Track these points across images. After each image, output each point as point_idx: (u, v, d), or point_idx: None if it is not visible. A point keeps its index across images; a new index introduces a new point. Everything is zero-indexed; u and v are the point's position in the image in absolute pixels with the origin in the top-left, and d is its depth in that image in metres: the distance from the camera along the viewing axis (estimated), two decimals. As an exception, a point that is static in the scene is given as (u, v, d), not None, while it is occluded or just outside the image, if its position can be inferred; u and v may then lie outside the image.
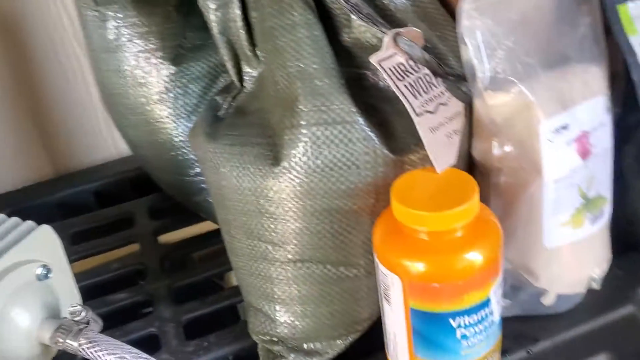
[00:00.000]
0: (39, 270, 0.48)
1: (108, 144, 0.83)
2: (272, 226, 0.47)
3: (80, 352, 0.45)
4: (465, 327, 0.42)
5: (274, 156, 0.45)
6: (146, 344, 0.56)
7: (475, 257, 0.40)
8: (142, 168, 0.70)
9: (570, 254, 0.49)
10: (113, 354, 0.44)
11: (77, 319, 0.46)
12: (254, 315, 0.52)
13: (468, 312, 0.41)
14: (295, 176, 0.44)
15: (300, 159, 0.44)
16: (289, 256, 0.47)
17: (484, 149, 0.48)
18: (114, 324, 0.58)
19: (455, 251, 0.40)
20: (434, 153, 0.43)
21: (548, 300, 0.51)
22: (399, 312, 0.43)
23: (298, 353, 0.50)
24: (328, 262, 0.47)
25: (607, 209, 0.49)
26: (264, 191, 0.45)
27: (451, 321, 0.42)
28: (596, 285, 0.52)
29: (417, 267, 0.40)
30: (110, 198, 0.77)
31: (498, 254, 0.42)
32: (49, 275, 0.49)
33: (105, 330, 0.56)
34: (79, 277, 0.55)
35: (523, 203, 0.48)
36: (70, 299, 0.51)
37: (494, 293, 0.42)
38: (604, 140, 0.47)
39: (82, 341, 0.45)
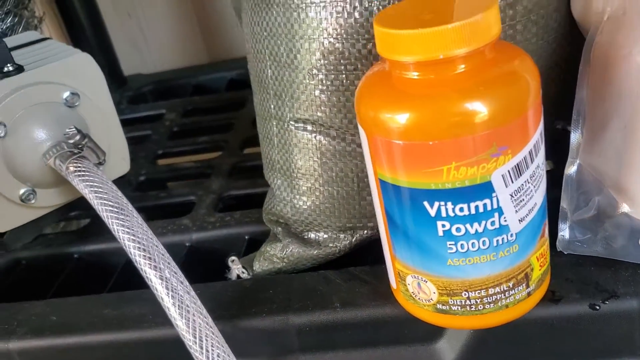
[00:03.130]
0: (66, 95, 0.46)
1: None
2: (276, 73, 0.38)
3: (67, 177, 0.42)
4: (451, 220, 0.29)
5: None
6: (177, 209, 0.52)
7: (463, 107, 0.27)
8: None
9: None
10: (95, 191, 0.40)
11: (70, 141, 0.43)
12: (268, 191, 0.43)
13: (452, 195, 0.28)
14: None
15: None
16: (291, 114, 0.38)
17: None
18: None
19: (436, 95, 0.27)
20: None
21: (649, 243, 0.33)
22: (373, 187, 0.31)
23: (296, 239, 0.41)
24: (332, 126, 0.37)
25: None
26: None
27: (427, 205, 0.29)
28: None
29: (381, 115, 0.28)
30: (242, 86, 0.74)
31: (512, 117, 0.27)
32: (76, 103, 0.47)
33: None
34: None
35: (624, 83, 0.31)
36: (106, 136, 0.48)
37: (504, 179, 0.28)
38: None
39: (70, 167, 0.42)
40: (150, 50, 0.84)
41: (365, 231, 0.39)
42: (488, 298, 0.31)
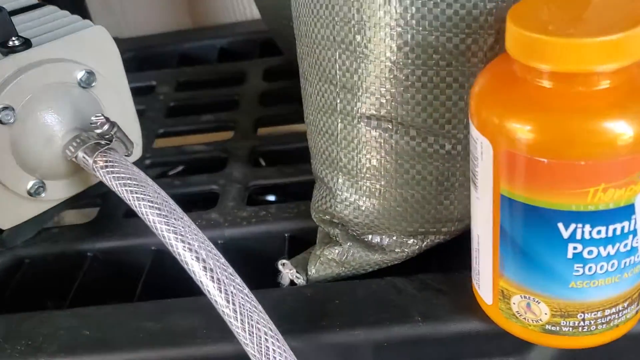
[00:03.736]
0: (81, 75, 0.41)
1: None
2: (347, 63, 0.34)
3: (95, 172, 0.37)
4: (584, 242, 0.27)
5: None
6: (202, 200, 0.47)
7: (622, 128, 0.24)
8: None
9: None
10: (127, 185, 0.35)
11: (97, 131, 0.38)
12: (317, 187, 0.40)
13: (593, 217, 0.26)
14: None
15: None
16: (363, 109, 0.34)
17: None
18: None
19: (589, 111, 0.25)
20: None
21: None
22: (485, 201, 0.29)
23: (357, 243, 0.38)
24: (413, 125, 0.34)
25: None
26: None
27: (561, 227, 0.26)
28: None
29: (518, 127, 0.25)
30: (234, 57, 0.69)
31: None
32: (92, 84, 0.41)
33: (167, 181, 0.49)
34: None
35: None
36: (122, 120, 0.43)
37: (647, 201, 0.26)
38: None
39: (98, 160, 0.37)
40: (125, 11, 0.77)
41: (438, 236, 0.37)
42: (603, 319, 0.29)
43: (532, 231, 0.27)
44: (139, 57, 0.70)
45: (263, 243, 0.43)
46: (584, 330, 0.29)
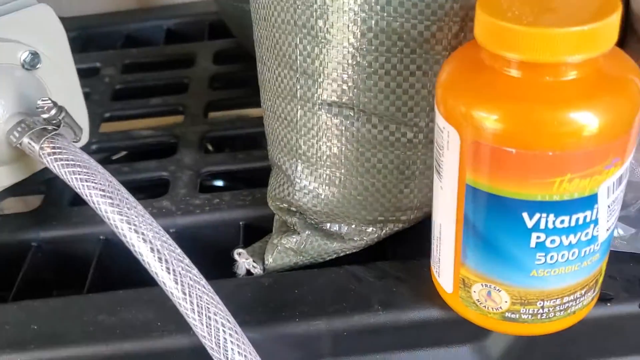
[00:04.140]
0: (25, 55, 0.38)
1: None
2: (308, 49, 0.33)
3: (42, 159, 0.35)
4: (548, 231, 0.27)
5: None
6: (152, 188, 0.46)
7: (589, 119, 0.25)
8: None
9: None
10: (76, 173, 0.34)
11: (44, 116, 0.36)
12: (274, 175, 0.39)
13: (557, 207, 0.26)
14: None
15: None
16: (324, 96, 0.34)
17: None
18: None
19: (557, 101, 0.25)
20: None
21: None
22: (449, 190, 0.29)
23: (315, 232, 0.37)
24: (375, 113, 0.33)
25: None
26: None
27: (525, 216, 0.27)
28: None
29: (485, 116, 0.25)
30: (182, 39, 0.67)
31: (628, 128, 0.26)
32: (37, 65, 0.39)
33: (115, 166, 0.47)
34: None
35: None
36: (68, 104, 0.41)
37: (608, 190, 0.26)
38: None
39: (45, 146, 0.35)
40: (65, -12, 0.73)
41: (397, 225, 0.37)
42: (561, 306, 0.30)
43: (496, 220, 0.27)
44: (82, 37, 0.67)
45: (217, 231, 0.42)
46: (543, 317, 0.30)
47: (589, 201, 0.26)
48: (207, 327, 0.30)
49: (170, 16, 0.69)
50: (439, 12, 0.31)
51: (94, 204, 0.33)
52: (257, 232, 0.41)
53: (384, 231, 0.37)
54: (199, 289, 0.31)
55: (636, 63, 0.33)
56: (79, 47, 0.66)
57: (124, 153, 0.56)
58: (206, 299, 0.31)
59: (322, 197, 0.36)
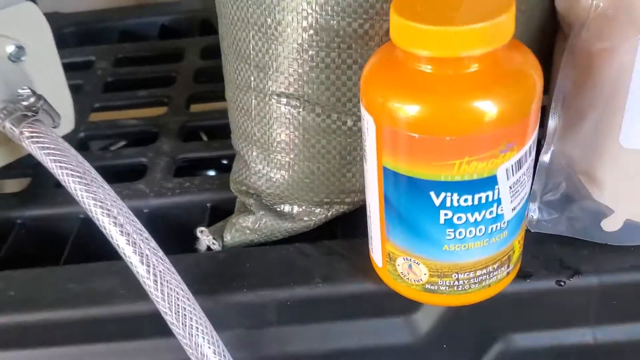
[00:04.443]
0: (11, 49, 0.42)
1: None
2: (260, 44, 0.37)
3: (21, 142, 0.39)
4: (454, 209, 0.30)
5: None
6: (129, 172, 0.50)
7: (484, 107, 0.28)
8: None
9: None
10: (51, 154, 0.37)
11: (24, 103, 0.40)
12: (236, 160, 0.43)
13: (459, 187, 0.29)
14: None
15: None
16: (274, 87, 0.37)
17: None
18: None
19: (455, 92, 0.28)
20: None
21: (610, 225, 0.36)
22: (372, 172, 0.32)
23: (269, 212, 0.40)
24: (318, 103, 0.36)
25: None
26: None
27: (432, 195, 0.30)
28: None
29: (395, 106, 0.28)
30: (176, 34, 0.71)
31: (523, 116, 0.29)
32: (22, 58, 0.43)
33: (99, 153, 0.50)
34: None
35: (603, 76, 0.33)
36: (52, 94, 0.45)
37: (507, 173, 0.29)
38: None
39: (25, 130, 0.39)
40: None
41: (342, 206, 0.40)
42: (475, 279, 0.33)
43: (410, 199, 0.30)
44: (80, 32, 0.71)
45: (186, 212, 0.46)
46: (459, 289, 0.33)
47: (489, 182, 0.29)
48: (162, 294, 0.34)
49: (165, 12, 0.73)
50: (370, 11, 0.34)
51: (65, 182, 0.37)
52: (222, 213, 0.44)
53: (330, 212, 0.40)
54: (155, 259, 0.34)
55: (561, 59, 0.36)
56: (77, 41, 0.70)
57: (122, 143, 0.60)
58: (162, 269, 0.34)
59: (274, 180, 0.39)
